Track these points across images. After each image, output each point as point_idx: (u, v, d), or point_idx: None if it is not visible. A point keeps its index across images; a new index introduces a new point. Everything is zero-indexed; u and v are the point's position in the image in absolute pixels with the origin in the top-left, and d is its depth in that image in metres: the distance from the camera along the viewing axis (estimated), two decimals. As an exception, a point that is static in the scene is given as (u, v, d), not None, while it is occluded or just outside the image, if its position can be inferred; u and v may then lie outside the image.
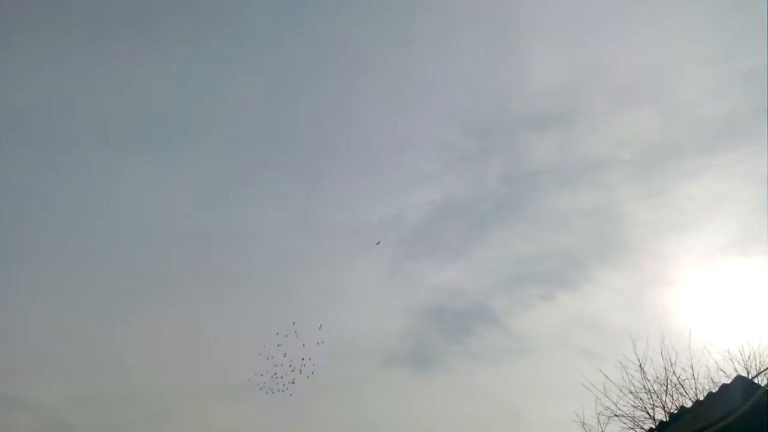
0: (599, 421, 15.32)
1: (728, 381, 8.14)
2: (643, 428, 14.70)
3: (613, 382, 15.90)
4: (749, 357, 14.31)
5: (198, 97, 40.82)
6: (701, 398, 9.56)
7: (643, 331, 18.30)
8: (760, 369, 13.92)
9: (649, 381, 15.70)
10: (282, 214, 45.60)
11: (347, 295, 45.07)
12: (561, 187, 41.85)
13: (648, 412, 15.04)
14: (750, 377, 12.16)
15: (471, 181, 44.41)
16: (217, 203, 45.99)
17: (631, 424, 15.02)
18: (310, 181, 46.08)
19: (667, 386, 15.37)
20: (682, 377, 14.98)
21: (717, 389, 7.99)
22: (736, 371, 14.00)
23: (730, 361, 14.51)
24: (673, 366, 15.30)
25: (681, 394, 14.92)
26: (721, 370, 14.47)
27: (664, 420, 9.43)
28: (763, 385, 7.85)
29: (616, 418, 15.42)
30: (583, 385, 15.99)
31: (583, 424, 15.64)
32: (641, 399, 15.61)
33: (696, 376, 15.00)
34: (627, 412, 15.57)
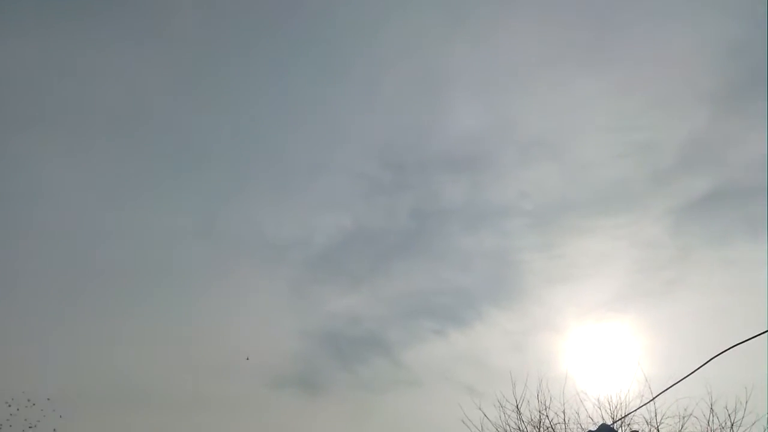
0: (473, 459, 15.73)
1: (594, 428, 8.65)
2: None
3: (490, 420, 16.34)
4: (616, 406, 15.18)
5: (116, 91, 39.22)
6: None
7: (524, 373, 18.92)
8: (622, 416, 14.86)
9: (523, 422, 16.19)
10: (185, 221, 43.91)
11: (243, 310, 43.79)
12: (465, 229, 43.43)
13: (520, 454, 15.54)
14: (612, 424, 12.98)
15: (382, 212, 45.00)
16: (119, 203, 43.63)
17: (505, 464, 15.46)
18: (220, 193, 44.98)
19: (539, 429, 15.97)
20: (555, 421, 15.55)
21: (584, 435, 8.41)
22: (603, 419, 14.83)
23: (599, 408, 15.28)
24: (548, 409, 15.86)
25: (553, 437, 15.51)
26: (590, 417, 15.22)
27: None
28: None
29: (491, 456, 15.90)
30: (462, 421, 16.37)
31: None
32: None
33: (567, 421, 15.60)
34: (501, 452, 16.11)
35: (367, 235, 43.64)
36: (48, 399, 19.65)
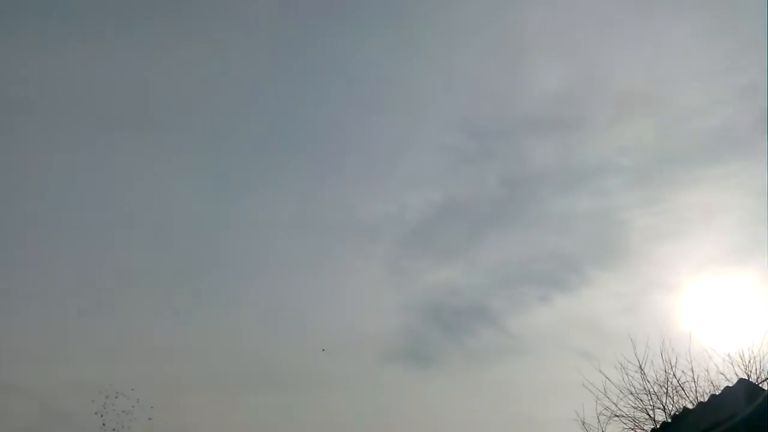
0: (599, 421, 15.45)
1: (729, 384, 8.29)
2: (643, 429, 14.83)
3: (613, 383, 16.01)
4: (749, 361, 14.49)
5: (202, 89, 40.98)
6: (703, 400, 9.69)
7: (642, 335, 18.34)
8: (760, 373, 14.10)
9: (649, 382, 15.80)
10: (278, 211, 45.54)
11: (345, 292, 45.00)
12: (560, 192, 41.95)
13: (648, 414, 15.18)
14: (752, 381, 12.39)
15: (471, 182, 44.48)
16: (213, 196, 45.67)
17: (631, 425, 15.13)
18: (309, 179, 46.24)
19: (667, 388, 15.49)
20: (682, 380, 15.15)
21: (720, 391, 8.13)
22: (737, 375, 14.25)
23: (730, 365, 14.67)
24: (673, 368, 15.45)
25: (681, 396, 15.10)
26: (721, 373, 14.65)
27: (667, 421, 9.56)
28: (766, 388, 8.01)
29: (616, 418, 15.52)
30: (583, 386, 16.11)
31: (584, 423, 15.80)
32: (641, 400, 15.71)
33: (696, 379, 15.15)
34: (627, 413, 15.70)
35: (457, 207, 43.29)
36: (132, 389, 20.45)
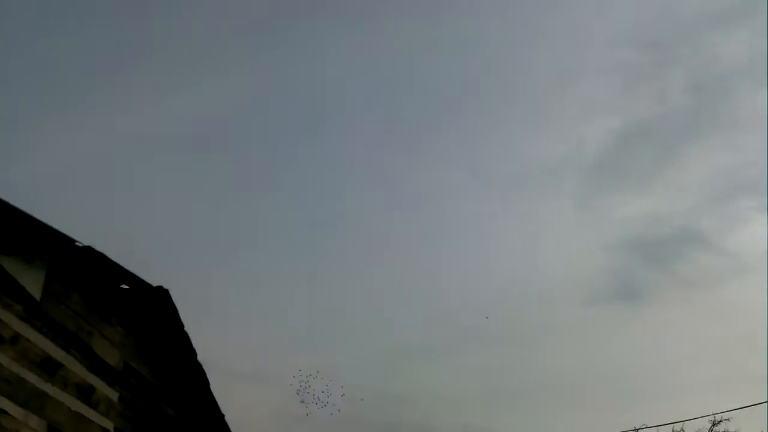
0: None
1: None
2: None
3: None
4: None
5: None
6: None
7: None
8: None
9: None
10: (454, 173, 42.64)
11: (535, 242, 42.27)
12: (758, 85, 37.23)
13: None
14: None
15: (652, 99, 38.46)
16: (393, 169, 43.20)
17: None
18: (477, 137, 41.50)
19: None
20: None
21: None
22: None
23: None
24: None
25: None
26: None
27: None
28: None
29: None
30: None
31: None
32: None
33: None
34: None
35: (641, 130, 39.16)
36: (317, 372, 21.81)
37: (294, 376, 21.88)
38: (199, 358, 7.72)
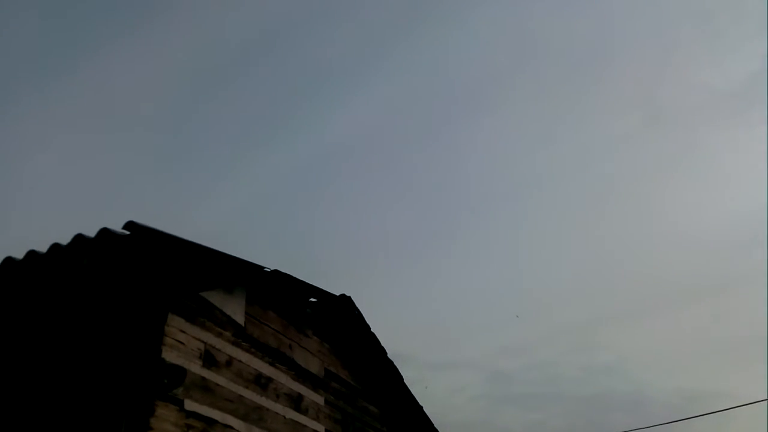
0: None
1: None
2: None
3: None
4: None
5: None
6: None
7: None
8: None
9: None
10: (622, 121, 41.37)
11: (737, 173, 39.58)
12: None
13: None
14: None
15: None
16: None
17: None
18: (643, 71, 41.30)
19: None
20: None
21: None
22: None
23: None
24: None
25: None
26: None
27: None
28: None
29: None
30: None
31: None
32: None
33: None
34: None
35: None
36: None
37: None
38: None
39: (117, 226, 4.73)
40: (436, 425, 9.05)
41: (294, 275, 6.36)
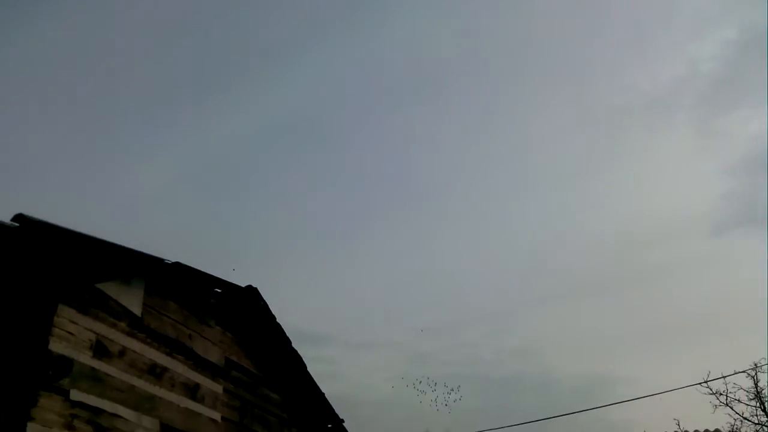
0: None
1: None
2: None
3: None
4: None
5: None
6: None
7: None
8: None
9: None
10: (554, 113, 41.80)
11: (650, 175, 40.72)
12: None
13: None
14: None
15: None
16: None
17: None
18: (577, 67, 41.52)
19: None
20: None
21: None
22: None
23: None
24: None
25: None
26: None
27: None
28: None
29: None
30: None
31: None
32: None
33: None
34: None
35: (761, 35, 36.42)
36: None
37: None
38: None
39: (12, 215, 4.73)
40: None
41: (196, 267, 6.48)
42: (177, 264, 6.20)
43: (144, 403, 5.82)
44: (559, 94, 39.96)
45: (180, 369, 6.48)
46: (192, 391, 6.61)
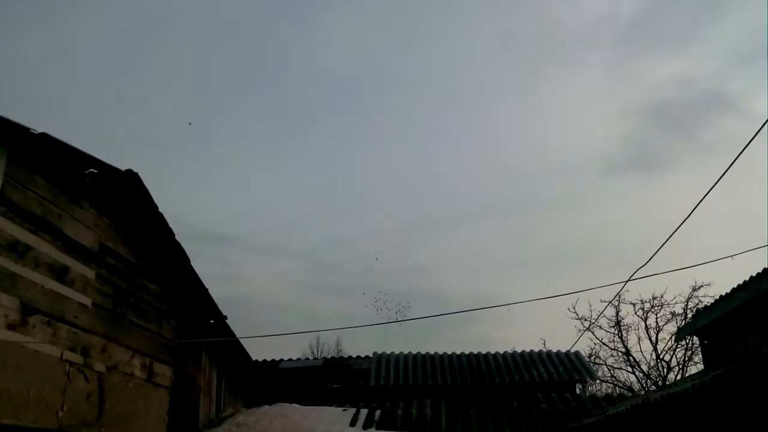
0: None
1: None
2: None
3: None
4: None
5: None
6: None
7: None
8: None
9: None
10: (479, 36, 40.52)
11: (558, 110, 41.29)
12: None
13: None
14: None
15: None
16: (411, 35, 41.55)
17: None
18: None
19: None
20: None
21: None
22: None
23: None
24: None
25: None
26: None
27: None
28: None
29: None
30: None
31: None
32: None
33: None
34: None
35: None
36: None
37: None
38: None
39: None
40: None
41: (68, 142, 5.95)
42: (44, 135, 5.65)
43: (3, 280, 5.40)
44: (482, 15, 39.93)
45: (46, 249, 6.04)
46: (59, 273, 6.22)
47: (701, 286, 22.06)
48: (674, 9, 39.25)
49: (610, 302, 22.86)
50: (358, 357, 18.85)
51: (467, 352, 17.50)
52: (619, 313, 23.74)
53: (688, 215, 5.39)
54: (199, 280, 8.71)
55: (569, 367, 16.43)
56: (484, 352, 17.50)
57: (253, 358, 12.04)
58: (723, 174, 4.90)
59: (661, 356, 23.20)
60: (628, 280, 6.33)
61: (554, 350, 17.63)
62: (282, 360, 18.11)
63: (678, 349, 22.81)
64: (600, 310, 25.78)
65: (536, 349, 17.85)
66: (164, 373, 8.46)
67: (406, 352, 17.62)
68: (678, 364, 22.84)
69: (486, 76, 42.42)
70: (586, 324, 22.98)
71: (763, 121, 4.21)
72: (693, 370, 21.21)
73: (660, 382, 22.11)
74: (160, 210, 7.72)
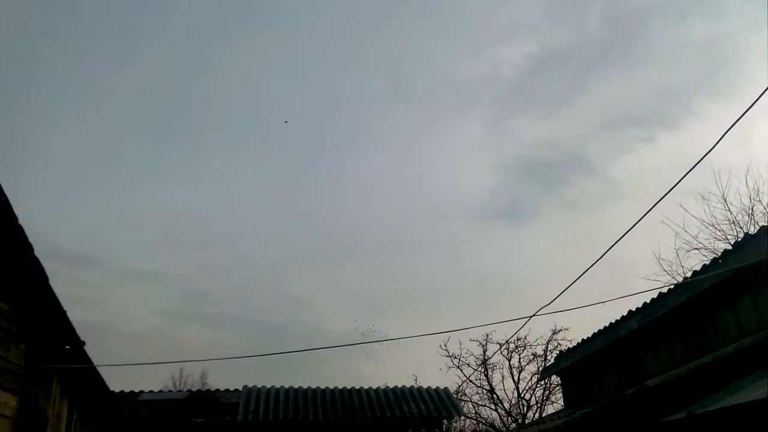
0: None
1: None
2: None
3: (693, 216, 16.71)
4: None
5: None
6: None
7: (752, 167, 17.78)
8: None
9: (732, 213, 16.20)
10: (372, 84, 41.07)
11: (440, 158, 42.37)
12: (671, 21, 39.27)
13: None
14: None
15: (571, 27, 40.57)
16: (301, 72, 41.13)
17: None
18: (406, 51, 41.83)
19: (752, 215, 15.60)
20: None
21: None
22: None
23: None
24: (759, 195, 15.59)
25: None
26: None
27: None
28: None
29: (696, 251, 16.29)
30: (662, 222, 16.47)
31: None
32: (722, 231, 16.19)
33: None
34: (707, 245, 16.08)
35: (557, 56, 39.93)
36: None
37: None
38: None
39: None
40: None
41: None
42: None
43: None
44: (377, 63, 41.58)
45: None
46: None
47: (560, 330, 23.62)
48: (549, 76, 43.28)
49: (506, 342, 23.61)
50: (227, 390, 17.99)
51: (340, 387, 17.32)
52: (486, 353, 24.76)
53: (597, 260, 5.71)
54: (58, 301, 7.90)
55: (438, 404, 16.75)
56: (357, 387, 17.40)
57: (110, 389, 11.08)
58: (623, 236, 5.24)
59: (522, 395, 24.37)
60: (532, 315, 6.65)
61: (425, 386, 17.92)
62: (141, 392, 16.86)
63: (537, 389, 24.10)
64: (468, 348, 26.75)
65: (407, 385, 18.06)
66: (8, 402, 7.52)
67: (278, 386, 17.10)
68: (536, 402, 24.10)
69: (378, 119, 43.92)
70: (455, 362, 23.72)
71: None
72: (551, 409, 22.48)
73: (520, 420, 23.14)
74: (19, 221, 6.96)
